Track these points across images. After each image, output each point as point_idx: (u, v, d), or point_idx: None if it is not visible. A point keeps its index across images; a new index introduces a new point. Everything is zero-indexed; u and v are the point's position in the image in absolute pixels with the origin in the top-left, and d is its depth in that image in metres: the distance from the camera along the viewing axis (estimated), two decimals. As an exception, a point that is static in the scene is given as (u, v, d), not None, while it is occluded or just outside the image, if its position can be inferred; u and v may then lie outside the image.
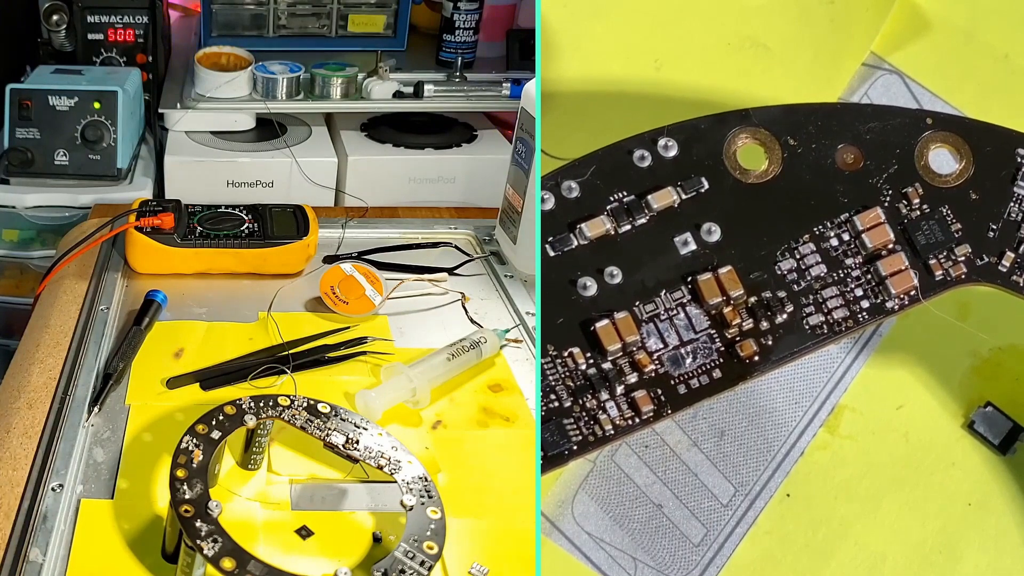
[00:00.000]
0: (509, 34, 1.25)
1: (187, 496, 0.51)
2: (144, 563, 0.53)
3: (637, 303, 0.55)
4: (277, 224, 0.84)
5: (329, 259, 0.86)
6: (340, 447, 0.57)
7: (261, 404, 0.58)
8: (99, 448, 0.61)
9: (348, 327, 0.76)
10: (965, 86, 0.66)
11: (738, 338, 0.55)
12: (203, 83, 1.15)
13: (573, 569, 0.63)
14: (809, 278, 0.56)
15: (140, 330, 0.72)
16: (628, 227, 0.56)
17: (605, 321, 0.55)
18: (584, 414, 0.55)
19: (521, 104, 0.82)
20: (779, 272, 0.56)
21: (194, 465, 0.53)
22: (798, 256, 0.56)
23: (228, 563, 0.48)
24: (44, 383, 0.67)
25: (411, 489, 0.55)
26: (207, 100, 1.15)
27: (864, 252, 0.56)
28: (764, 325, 0.55)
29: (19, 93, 1.02)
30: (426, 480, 0.56)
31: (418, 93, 1.17)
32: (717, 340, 0.55)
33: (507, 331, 0.75)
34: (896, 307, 0.56)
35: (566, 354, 0.55)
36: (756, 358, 0.55)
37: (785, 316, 0.55)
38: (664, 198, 0.56)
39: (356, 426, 0.59)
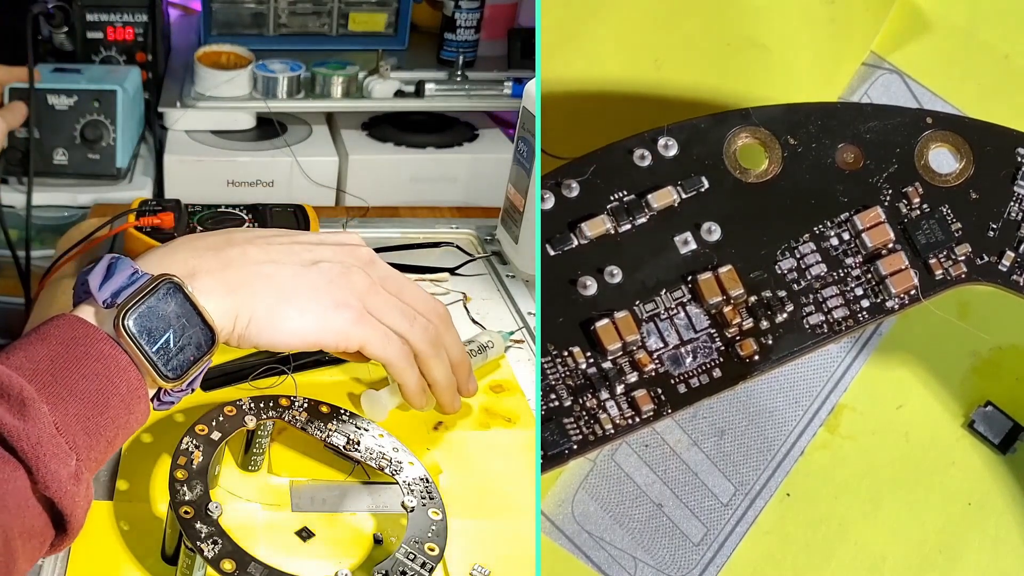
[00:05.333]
0: (510, 33, 1.25)
1: (187, 497, 0.51)
2: (144, 565, 0.53)
3: (637, 302, 0.55)
4: (277, 224, 0.84)
5: (329, 259, 0.86)
6: (341, 448, 0.57)
7: (261, 405, 0.58)
8: (99, 449, 0.61)
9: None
10: (965, 86, 0.66)
11: (738, 337, 0.55)
12: (203, 82, 1.15)
13: (573, 568, 0.63)
14: (809, 277, 0.56)
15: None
16: (628, 226, 0.56)
17: (605, 320, 0.55)
18: (584, 413, 0.55)
19: (522, 103, 0.82)
20: (779, 271, 0.56)
21: (194, 466, 0.53)
22: (798, 255, 0.56)
23: (228, 565, 0.48)
24: (44, 384, 0.67)
25: (412, 490, 0.55)
26: (207, 99, 1.15)
27: (864, 251, 0.56)
28: (764, 324, 0.55)
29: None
30: (427, 481, 0.56)
31: (419, 92, 1.17)
32: (717, 339, 0.55)
33: (511, 333, 0.74)
34: (896, 306, 0.56)
35: (566, 353, 0.55)
36: (756, 357, 0.55)
37: (785, 315, 0.55)
38: (664, 197, 0.56)
39: (357, 427, 0.59)
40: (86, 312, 0.51)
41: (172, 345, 0.50)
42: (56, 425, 0.46)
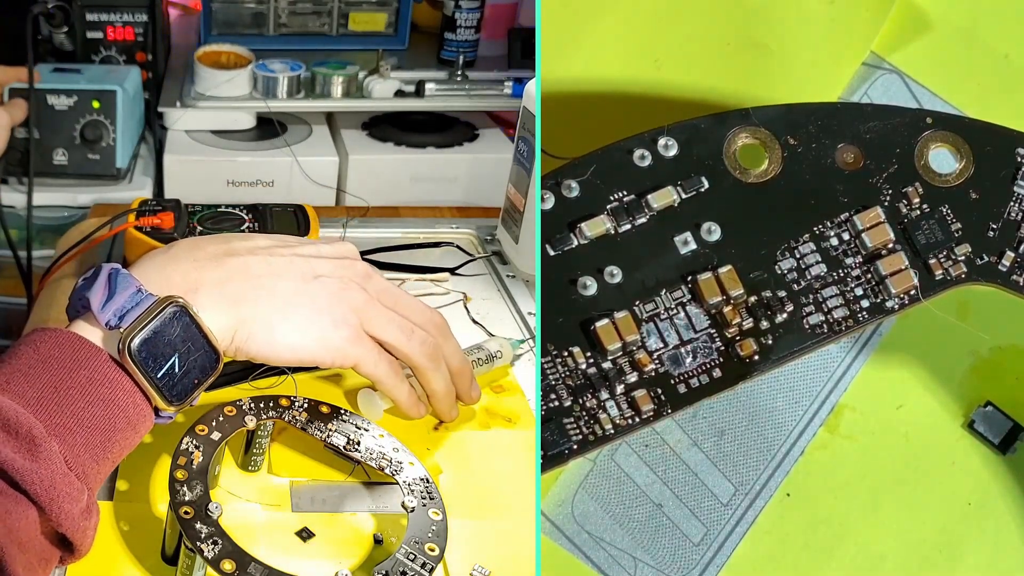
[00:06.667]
0: (510, 32, 1.25)
1: (187, 498, 0.51)
2: (144, 565, 0.53)
3: (637, 302, 0.55)
4: (278, 224, 0.84)
5: (330, 259, 0.85)
6: (341, 448, 0.57)
7: (261, 405, 0.58)
8: (99, 449, 0.61)
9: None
10: (965, 86, 0.66)
11: (738, 337, 0.55)
12: (203, 82, 1.15)
13: (573, 568, 0.63)
14: (809, 277, 0.56)
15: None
16: (628, 227, 0.56)
17: (605, 320, 0.55)
18: (584, 413, 0.55)
19: (522, 103, 0.82)
20: (779, 271, 0.56)
21: (194, 466, 0.53)
22: (798, 255, 0.56)
23: (228, 565, 0.48)
24: (44, 384, 0.67)
25: (412, 491, 0.55)
26: (207, 99, 1.15)
27: (864, 252, 0.56)
28: (764, 324, 0.55)
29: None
30: (427, 481, 0.56)
31: (419, 92, 1.17)
32: (717, 339, 0.55)
33: (521, 342, 0.74)
34: (896, 307, 0.56)
35: (566, 353, 0.55)
36: (756, 357, 0.55)
37: (785, 315, 0.55)
38: (664, 198, 0.56)
39: (357, 427, 0.59)
40: (85, 330, 0.50)
41: (177, 370, 0.50)
42: (66, 460, 0.46)
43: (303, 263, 0.58)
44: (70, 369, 0.48)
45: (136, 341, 0.49)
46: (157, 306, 0.50)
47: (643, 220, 0.56)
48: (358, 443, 0.58)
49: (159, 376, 0.50)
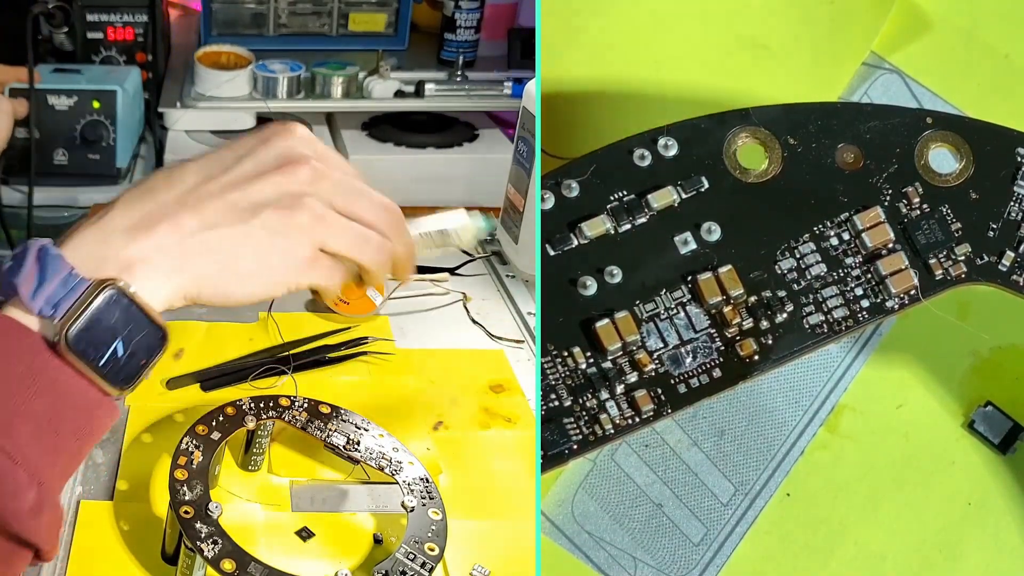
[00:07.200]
0: (510, 33, 1.25)
1: (187, 497, 0.51)
2: (144, 565, 0.53)
3: (637, 302, 0.55)
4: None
5: (330, 259, 0.85)
6: (341, 448, 0.58)
7: (261, 405, 0.58)
8: (98, 449, 0.61)
9: (349, 327, 0.76)
10: (965, 86, 0.66)
11: (738, 337, 0.55)
12: (203, 82, 1.15)
13: (573, 568, 0.63)
14: (809, 277, 0.56)
15: (140, 330, 0.72)
16: (628, 226, 0.56)
17: (605, 320, 0.55)
18: (584, 413, 0.55)
19: (523, 103, 0.82)
20: (779, 271, 0.56)
21: (194, 466, 0.53)
22: (798, 255, 0.56)
23: (228, 565, 0.48)
24: (44, 384, 0.67)
25: (412, 490, 0.55)
26: (207, 99, 1.15)
27: (864, 251, 0.56)
28: (764, 324, 0.55)
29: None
30: (427, 481, 0.56)
31: (419, 92, 1.17)
32: (717, 339, 0.55)
33: (492, 226, 0.66)
34: (896, 306, 0.56)
35: (566, 353, 0.55)
36: (756, 357, 0.55)
37: (785, 315, 0.55)
38: (664, 197, 0.56)
39: (357, 427, 0.59)
40: (18, 315, 0.47)
41: (121, 354, 0.47)
42: (11, 455, 0.44)
43: (239, 196, 0.52)
44: (8, 361, 0.45)
45: (73, 332, 0.46)
46: (92, 291, 0.47)
47: (643, 220, 0.56)
48: (358, 443, 0.58)
49: (102, 364, 0.47)
